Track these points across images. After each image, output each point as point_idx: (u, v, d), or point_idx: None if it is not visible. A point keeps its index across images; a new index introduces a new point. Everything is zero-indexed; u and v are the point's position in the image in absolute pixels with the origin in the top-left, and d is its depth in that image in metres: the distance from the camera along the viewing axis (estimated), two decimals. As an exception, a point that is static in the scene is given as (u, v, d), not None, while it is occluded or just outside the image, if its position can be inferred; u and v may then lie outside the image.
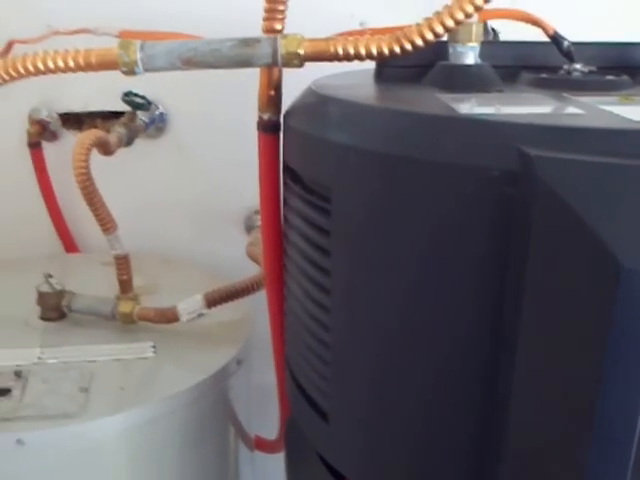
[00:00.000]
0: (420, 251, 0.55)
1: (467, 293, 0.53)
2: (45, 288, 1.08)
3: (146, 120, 1.27)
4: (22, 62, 0.72)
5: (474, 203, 0.51)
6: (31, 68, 0.73)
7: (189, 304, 1.01)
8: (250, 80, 1.09)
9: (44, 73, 0.75)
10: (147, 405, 0.89)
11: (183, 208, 1.41)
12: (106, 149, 1.07)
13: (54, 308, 1.09)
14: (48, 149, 1.40)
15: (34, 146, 1.38)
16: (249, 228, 1.33)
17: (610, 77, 0.70)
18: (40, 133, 1.37)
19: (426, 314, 0.56)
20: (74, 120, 1.40)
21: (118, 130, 1.15)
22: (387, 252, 0.57)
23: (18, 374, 0.93)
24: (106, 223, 1.03)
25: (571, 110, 0.59)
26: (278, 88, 0.74)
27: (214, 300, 1.01)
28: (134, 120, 1.20)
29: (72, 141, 1.35)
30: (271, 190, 0.77)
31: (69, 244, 1.45)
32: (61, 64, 0.72)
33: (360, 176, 0.58)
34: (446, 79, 0.69)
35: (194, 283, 1.19)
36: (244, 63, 0.68)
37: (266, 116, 0.74)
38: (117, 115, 1.32)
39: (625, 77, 0.70)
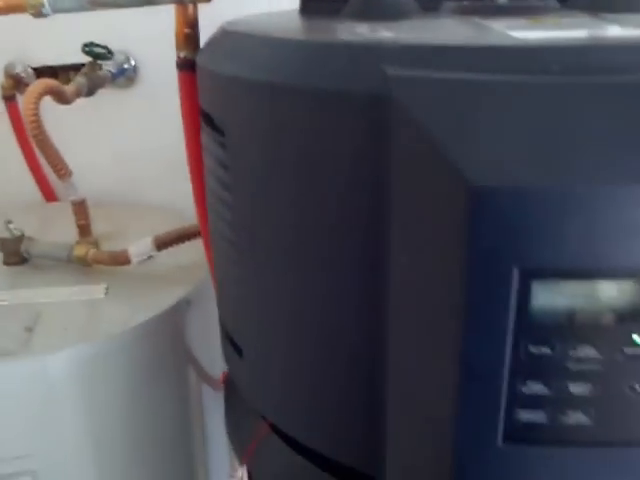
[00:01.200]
0: (299, 177, 0.52)
1: (343, 215, 0.50)
2: (5, 234, 1.06)
3: (113, 70, 1.24)
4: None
5: (344, 128, 0.48)
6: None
7: (139, 247, 0.99)
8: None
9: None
10: (89, 343, 0.88)
11: (156, 156, 1.38)
12: (61, 98, 1.04)
13: (14, 253, 1.07)
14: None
15: (9, 99, 1.36)
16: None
17: (535, 2, 0.65)
18: (14, 87, 1.35)
19: (311, 235, 0.53)
20: (48, 73, 1.37)
21: (77, 80, 1.12)
22: (273, 180, 0.54)
23: (-32, 314, 0.92)
24: (60, 170, 1.01)
25: (459, 32, 0.56)
26: (193, 26, 0.71)
27: (163, 242, 0.99)
28: (95, 70, 1.17)
29: (46, 93, 1.33)
30: (192, 129, 0.74)
31: (48, 193, 1.43)
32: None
33: (245, 107, 0.55)
34: (362, 9, 0.65)
35: (163, 229, 1.16)
36: (150, 2, 0.65)
37: (182, 54, 0.71)
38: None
39: (552, 1, 0.65)
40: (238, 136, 0.57)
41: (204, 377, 1.11)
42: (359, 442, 0.57)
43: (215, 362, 1.12)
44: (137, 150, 1.38)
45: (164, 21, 1.22)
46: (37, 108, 0.96)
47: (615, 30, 0.54)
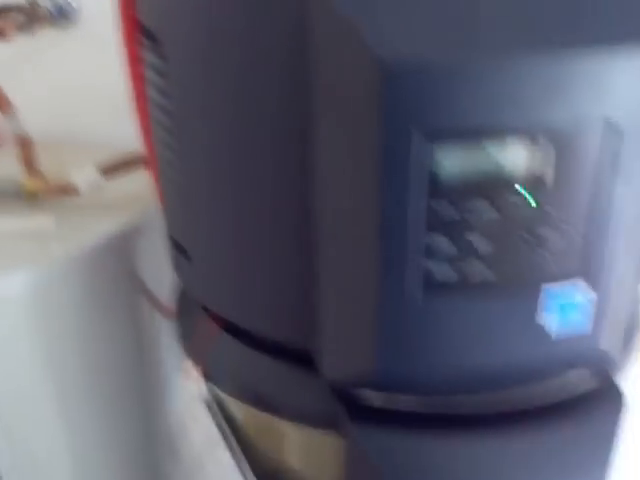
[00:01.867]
0: (231, 73, 0.56)
1: (276, 106, 0.54)
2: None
3: (52, 9, 1.25)
4: None
5: (268, 18, 0.51)
6: None
7: (85, 175, 1.02)
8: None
9: None
10: (38, 267, 0.91)
11: (99, 94, 1.39)
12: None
13: (-37, 189, 1.09)
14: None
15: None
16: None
17: None
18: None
19: (244, 127, 0.57)
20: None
21: (14, 16, 1.13)
22: (207, 79, 0.58)
23: None
24: (3, 106, 1.03)
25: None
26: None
27: (109, 170, 1.02)
28: (34, 8, 1.18)
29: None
30: (130, 49, 0.77)
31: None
32: None
33: (178, 12, 0.58)
34: None
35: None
36: None
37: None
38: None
39: None
40: (174, 41, 0.61)
41: (155, 304, 1.15)
42: (297, 319, 0.63)
43: (167, 291, 1.16)
44: (78, 88, 1.39)
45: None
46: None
47: None
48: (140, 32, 0.70)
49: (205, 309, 0.76)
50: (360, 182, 0.49)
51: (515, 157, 0.47)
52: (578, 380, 0.63)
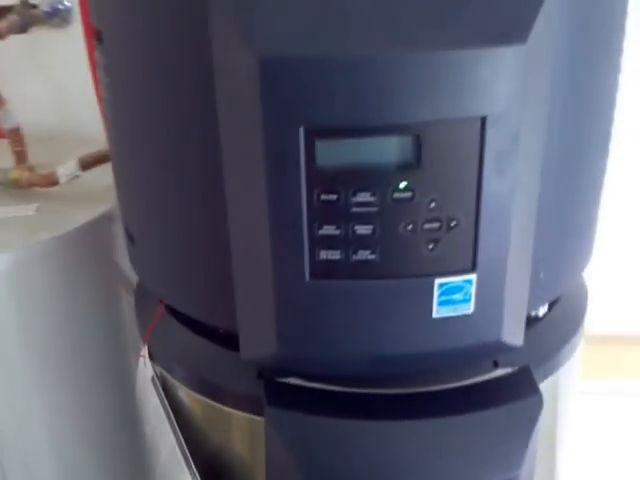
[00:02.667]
0: (147, 52, 0.60)
1: (185, 90, 0.58)
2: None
3: (47, 9, 1.30)
4: None
5: (178, 16, 0.55)
6: None
7: (66, 167, 1.07)
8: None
9: None
10: (18, 248, 0.96)
11: (91, 92, 1.44)
12: (-7, 32, 1.11)
13: (-45, 176, 1.15)
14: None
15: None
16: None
17: None
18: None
19: (161, 112, 0.61)
20: (-11, 14, 1.43)
21: (9, 18, 1.18)
22: (137, 70, 0.62)
23: None
24: (-3, 101, 1.08)
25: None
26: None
27: (88, 163, 1.07)
28: (27, 9, 1.23)
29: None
30: (92, 51, 0.81)
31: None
32: None
33: (110, 8, 0.63)
34: None
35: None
36: None
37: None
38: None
39: None
40: (112, 39, 0.65)
41: (129, 287, 1.19)
42: (221, 302, 0.66)
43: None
44: (70, 86, 1.45)
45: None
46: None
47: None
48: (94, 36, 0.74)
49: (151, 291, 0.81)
50: (251, 174, 0.53)
51: (391, 149, 0.50)
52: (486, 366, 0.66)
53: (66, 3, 1.35)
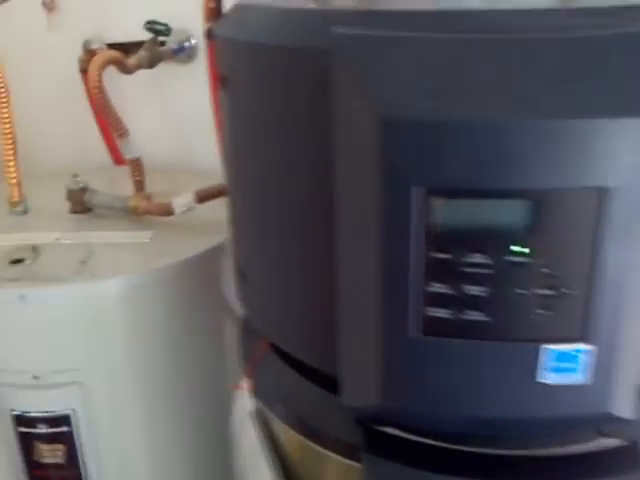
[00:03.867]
0: (277, 119, 0.61)
1: (302, 152, 0.59)
2: (72, 186, 1.19)
3: (174, 46, 1.36)
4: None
5: (302, 76, 0.57)
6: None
7: (182, 199, 1.10)
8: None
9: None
10: (133, 274, 0.99)
11: (211, 126, 1.49)
12: (124, 68, 1.17)
13: (79, 203, 1.21)
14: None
15: (85, 72, 1.49)
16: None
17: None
18: (90, 61, 1.47)
19: (280, 162, 0.62)
20: (120, 49, 1.49)
21: (140, 53, 1.24)
22: (262, 122, 0.64)
23: (35, 249, 1.05)
24: (119, 130, 1.13)
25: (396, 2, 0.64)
26: (217, 1, 0.81)
27: (204, 196, 1.10)
28: (156, 45, 1.29)
29: (117, 67, 1.47)
30: (216, 90, 0.84)
31: (117, 157, 1.56)
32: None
33: (236, 62, 0.65)
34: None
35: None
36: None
37: (209, 25, 0.81)
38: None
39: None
40: (234, 89, 0.67)
41: (233, 318, 1.21)
42: (326, 346, 0.66)
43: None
44: (193, 119, 1.50)
45: (227, 4, 1.34)
46: (100, 75, 1.09)
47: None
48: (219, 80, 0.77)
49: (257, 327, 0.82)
50: (367, 228, 0.53)
51: (507, 213, 0.50)
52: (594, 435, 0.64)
53: (192, 41, 1.40)
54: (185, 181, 1.37)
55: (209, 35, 0.81)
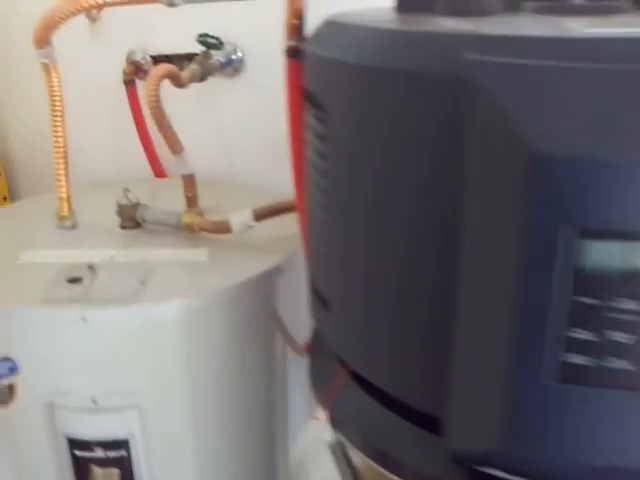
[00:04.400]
0: (389, 145, 0.58)
1: (424, 183, 0.56)
2: (123, 201, 1.16)
3: (222, 60, 1.32)
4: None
5: (427, 104, 0.53)
6: (91, 2, 0.79)
7: (240, 217, 1.07)
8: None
9: (101, 7, 0.80)
10: (192, 296, 0.96)
11: (255, 141, 1.46)
12: (178, 81, 1.13)
13: (130, 218, 1.17)
14: (141, 86, 1.48)
15: (129, 84, 1.46)
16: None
17: (610, 2, 0.68)
18: (134, 72, 1.45)
19: (394, 196, 0.59)
20: (164, 61, 1.46)
21: (192, 67, 1.20)
22: (366, 150, 0.60)
23: (91, 267, 1.02)
24: (174, 145, 1.10)
25: (533, 26, 0.60)
26: (300, 17, 0.77)
27: (262, 214, 1.06)
28: (207, 59, 1.25)
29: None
30: (294, 111, 0.80)
31: (157, 170, 1.53)
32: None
33: (346, 86, 0.61)
34: (451, 7, 0.70)
35: (257, 204, 1.24)
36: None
37: (290, 43, 0.78)
38: (201, 56, 1.37)
39: (626, 2, 0.68)
40: (338, 112, 0.64)
41: (289, 340, 1.18)
42: (425, 383, 0.63)
43: (299, 328, 1.18)
44: (239, 133, 1.46)
45: (270, 17, 1.30)
46: (158, 89, 1.05)
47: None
48: (305, 98, 0.73)
49: (337, 356, 0.78)
50: (503, 269, 0.49)
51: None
52: None
53: (238, 54, 1.36)
54: (230, 196, 1.34)
55: (292, 53, 0.77)
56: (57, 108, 1.08)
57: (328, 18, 0.73)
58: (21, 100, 1.60)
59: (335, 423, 0.78)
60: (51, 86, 1.06)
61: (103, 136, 1.53)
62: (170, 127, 1.07)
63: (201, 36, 1.22)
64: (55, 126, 1.11)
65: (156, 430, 1.00)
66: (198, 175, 1.19)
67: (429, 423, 0.64)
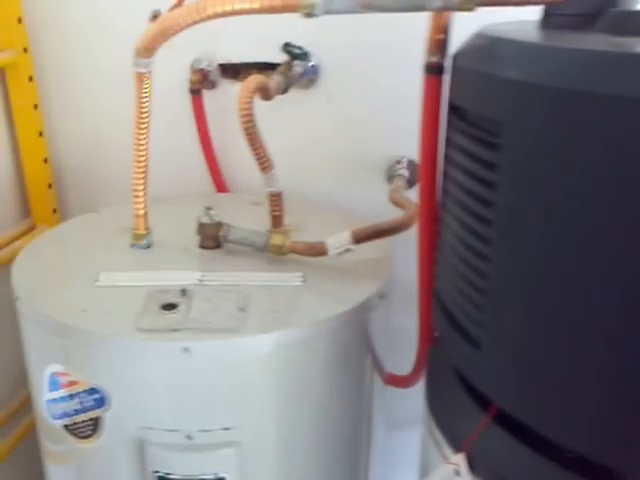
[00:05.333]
0: (588, 178, 0.54)
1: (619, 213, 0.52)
2: (205, 219, 1.11)
3: (300, 71, 1.28)
4: (211, 4, 0.74)
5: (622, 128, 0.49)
6: (218, 10, 0.75)
7: (337, 239, 1.03)
8: (397, 35, 1.09)
9: (228, 15, 0.77)
10: (297, 327, 0.91)
11: (328, 155, 1.42)
12: (266, 94, 1.09)
13: (212, 237, 1.12)
14: (206, 96, 1.44)
15: (195, 93, 1.42)
16: (390, 177, 1.33)
17: None
18: (200, 81, 1.41)
19: (585, 243, 0.55)
20: (231, 70, 1.42)
21: (276, 78, 1.16)
22: (554, 182, 0.56)
23: (184, 292, 0.97)
24: (264, 162, 1.06)
25: None
26: (446, 32, 0.73)
27: (361, 237, 1.02)
28: (290, 70, 1.21)
29: (229, 90, 1.39)
30: (432, 129, 0.77)
31: (220, 184, 1.49)
32: (246, 6, 0.73)
33: (531, 110, 0.57)
34: (617, 25, 0.66)
35: (336, 223, 1.20)
36: (419, 7, 0.68)
37: (433, 58, 0.74)
38: (270, 66, 1.33)
39: None
40: (518, 137, 0.60)
41: (378, 368, 1.14)
42: (613, 438, 0.59)
43: (387, 354, 1.14)
44: (312, 147, 1.42)
45: (345, 26, 1.27)
46: (251, 102, 1.01)
47: None
48: (459, 118, 0.69)
49: (476, 396, 0.74)
50: None
51: None
52: None
53: (313, 62, 1.32)
54: (305, 213, 1.30)
55: (433, 69, 0.73)
56: (143, 121, 1.04)
57: (483, 32, 0.69)
58: (73, 110, 1.56)
59: (477, 469, 0.73)
60: (140, 97, 1.01)
61: (162, 147, 1.48)
62: (262, 143, 1.02)
63: (286, 45, 1.18)
64: (139, 139, 1.06)
65: (252, 468, 0.95)
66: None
67: (597, 474, 0.61)
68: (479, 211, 0.66)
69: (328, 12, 0.70)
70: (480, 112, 0.64)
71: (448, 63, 0.73)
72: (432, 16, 0.73)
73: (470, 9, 0.67)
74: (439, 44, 0.73)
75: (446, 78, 0.74)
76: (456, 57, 0.70)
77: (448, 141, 0.73)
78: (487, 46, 0.66)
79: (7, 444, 1.46)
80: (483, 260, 0.67)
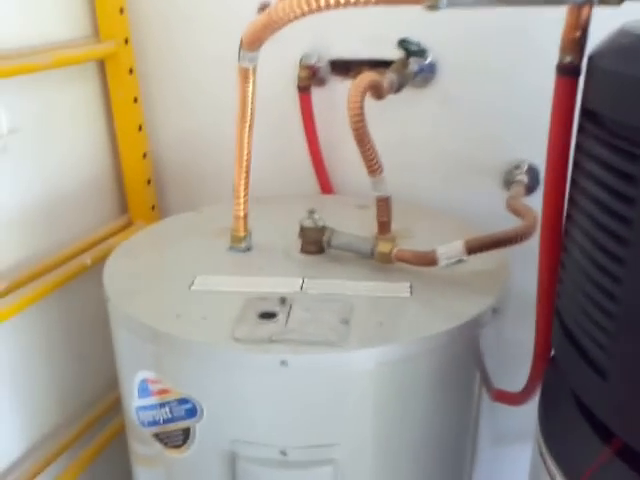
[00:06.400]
0: None
1: None
2: (308, 223, 1.10)
3: (416, 68, 1.25)
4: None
5: None
6: (330, 1, 0.73)
7: (449, 249, 0.99)
8: (520, 34, 1.04)
9: (341, 7, 0.75)
10: (403, 343, 0.89)
11: (442, 158, 1.38)
12: (379, 93, 1.07)
13: (314, 242, 1.11)
14: (314, 93, 1.42)
15: (303, 90, 1.41)
16: (507, 182, 1.29)
17: None
18: (309, 78, 1.39)
19: None
20: (342, 67, 1.41)
21: (389, 76, 1.14)
22: None
23: (283, 301, 0.96)
24: (373, 165, 1.03)
25: None
26: (585, 29, 0.69)
27: (474, 247, 0.98)
28: (406, 67, 1.19)
29: (339, 87, 1.38)
30: (562, 134, 0.73)
31: (325, 185, 1.48)
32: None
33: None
34: None
35: (448, 231, 1.17)
36: (556, 0, 0.64)
37: (568, 59, 0.70)
38: (383, 64, 1.30)
39: None
40: None
41: (487, 384, 1.10)
42: None
43: (497, 368, 1.10)
44: (420, 149, 1.39)
45: (466, 22, 1.23)
46: (362, 101, 0.98)
47: None
48: (595, 124, 0.65)
49: (596, 425, 0.70)
50: None
51: None
52: None
53: (430, 59, 1.29)
54: (414, 218, 1.27)
55: (568, 69, 0.69)
56: (248, 117, 1.03)
57: (628, 30, 0.64)
58: (174, 103, 1.58)
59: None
60: (244, 92, 1.00)
61: (266, 145, 1.48)
62: (372, 145, 1.00)
63: (402, 41, 1.15)
64: (242, 136, 1.06)
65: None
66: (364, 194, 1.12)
67: None
68: (613, 228, 0.62)
69: (452, 4, 0.67)
70: (621, 119, 0.60)
71: (584, 64, 0.69)
72: (569, 11, 0.69)
73: (616, 3, 0.62)
74: (575, 43, 0.69)
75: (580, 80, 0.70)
76: (594, 57, 0.66)
77: (579, 148, 0.69)
78: (632, 45, 0.61)
79: (97, 443, 1.49)
80: (615, 281, 0.62)
